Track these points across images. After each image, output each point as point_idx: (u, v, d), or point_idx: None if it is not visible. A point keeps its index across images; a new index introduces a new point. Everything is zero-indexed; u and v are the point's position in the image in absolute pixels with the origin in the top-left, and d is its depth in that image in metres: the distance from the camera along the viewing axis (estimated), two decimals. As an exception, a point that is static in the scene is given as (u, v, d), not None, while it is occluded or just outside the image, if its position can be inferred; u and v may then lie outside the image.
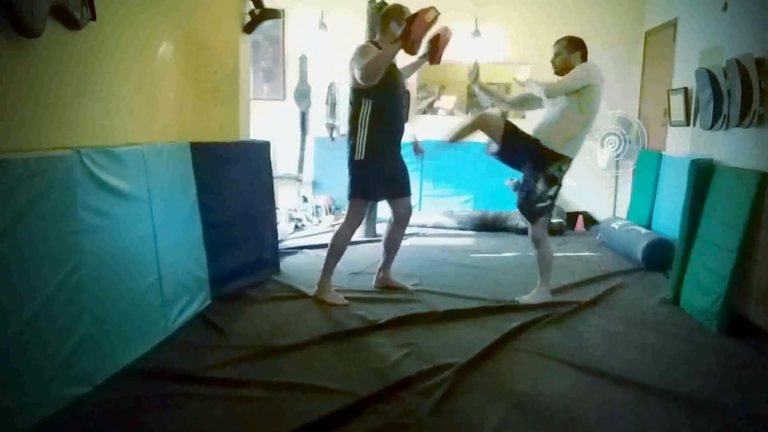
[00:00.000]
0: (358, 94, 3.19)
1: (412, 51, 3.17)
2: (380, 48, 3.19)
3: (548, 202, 3.38)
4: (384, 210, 5.71)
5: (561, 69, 3.37)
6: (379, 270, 3.67)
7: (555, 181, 3.35)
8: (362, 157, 3.20)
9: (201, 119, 3.28)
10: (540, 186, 3.35)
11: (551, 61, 3.43)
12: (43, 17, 1.91)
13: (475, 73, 3.57)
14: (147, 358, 2.47)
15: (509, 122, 3.41)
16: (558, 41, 3.42)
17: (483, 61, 7.20)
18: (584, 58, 3.38)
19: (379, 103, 3.17)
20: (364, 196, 3.34)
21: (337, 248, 3.37)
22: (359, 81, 3.09)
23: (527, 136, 3.39)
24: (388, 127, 3.26)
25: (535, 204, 3.37)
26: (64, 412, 1.98)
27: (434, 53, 3.23)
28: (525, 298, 3.49)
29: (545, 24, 6.38)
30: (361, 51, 3.16)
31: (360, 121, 3.19)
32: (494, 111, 3.49)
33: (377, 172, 3.26)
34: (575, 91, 3.23)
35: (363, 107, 3.18)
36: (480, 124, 3.44)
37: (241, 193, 3.55)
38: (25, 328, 1.86)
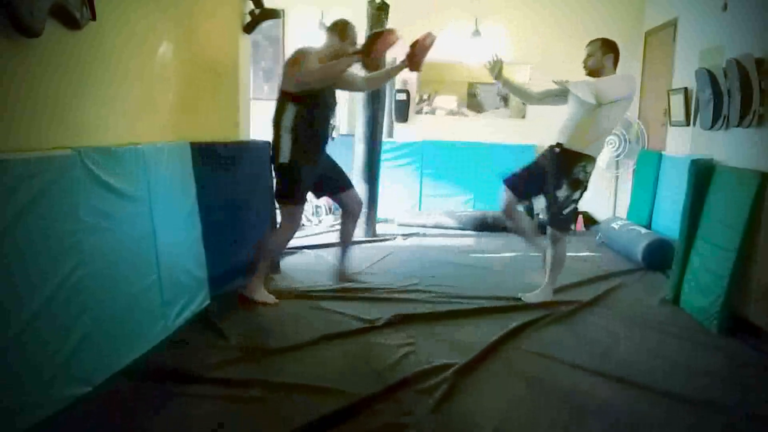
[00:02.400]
0: (285, 97, 3.16)
1: (371, 67, 3.21)
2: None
3: (573, 206, 3.37)
4: (384, 210, 5.74)
5: (593, 70, 3.37)
6: (339, 266, 3.67)
7: (579, 184, 3.34)
8: (286, 161, 3.17)
9: (201, 119, 3.28)
10: (563, 192, 3.35)
11: (583, 61, 3.40)
12: (43, 17, 1.91)
13: (498, 68, 3.55)
14: (147, 358, 2.47)
15: (513, 191, 3.49)
16: (591, 42, 3.40)
17: (482, 62, 7.21)
18: (616, 61, 3.37)
19: (305, 109, 3.14)
20: (291, 200, 3.28)
21: (272, 252, 3.38)
22: (297, 84, 3.08)
23: (535, 167, 3.45)
24: (312, 132, 3.21)
25: (562, 212, 3.37)
26: (64, 412, 1.98)
27: (412, 59, 3.18)
28: (528, 296, 3.51)
29: (546, 23, 6.40)
30: (302, 56, 3.14)
31: (283, 124, 3.16)
32: (521, 221, 3.57)
33: (302, 175, 3.22)
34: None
35: (287, 111, 3.15)
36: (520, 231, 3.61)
37: (241, 193, 3.55)
38: (25, 328, 1.86)
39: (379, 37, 3.10)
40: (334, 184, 3.49)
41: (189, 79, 3.10)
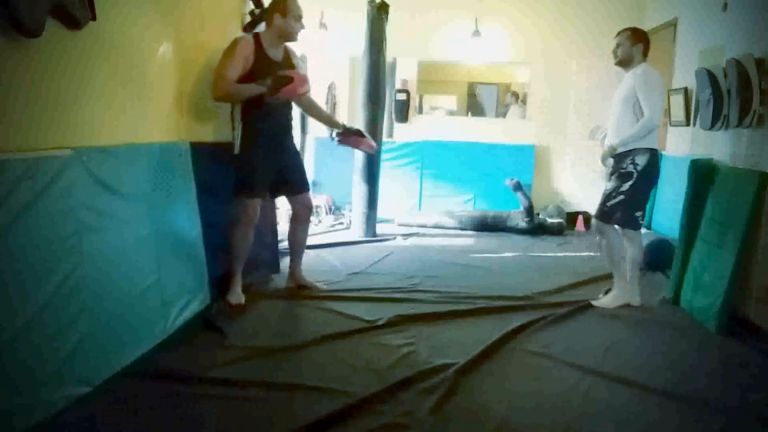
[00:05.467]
0: None
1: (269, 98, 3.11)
2: (260, 41, 3.15)
3: (619, 198, 3.29)
4: (384, 210, 5.74)
5: (622, 60, 3.32)
6: (290, 271, 3.61)
7: (629, 176, 3.26)
8: (239, 152, 3.14)
9: (201, 119, 3.28)
10: (611, 184, 3.33)
11: (612, 52, 3.35)
12: (43, 17, 1.91)
13: (611, 151, 3.39)
14: (147, 358, 2.47)
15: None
16: (620, 32, 3.36)
17: (483, 62, 7.22)
18: (646, 51, 3.32)
19: (249, 102, 3.09)
20: (245, 192, 3.21)
21: (237, 250, 3.25)
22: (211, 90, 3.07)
23: (614, 191, 3.35)
24: (265, 122, 3.16)
25: (606, 203, 3.34)
26: (64, 412, 1.98)
27: (274, 90, 3.04)
28: (602, 301, 3.41)
29: (546, 23, 6.40)
30: (226, 50, 3.08)
31: (234, 116, 3.16)
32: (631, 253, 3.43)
33: (256, 167, 3.16)
34: (634, 98, 3.21)
35: (237, 104, 3.14)
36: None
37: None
38: (25, 328, 1.86)
39: (288, 83, 3.04)
40: (289, 184, 3.40)
41: (189, 79, 3.10)
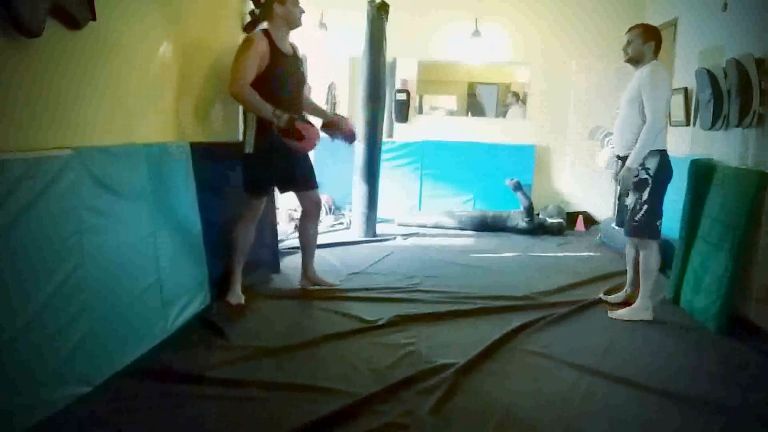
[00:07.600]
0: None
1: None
2: (270, 36, 3.12)
3: (645, 207, 3.15)
4: (384, 210, 5.74)
5: (633, 58, 3.21)
6: (303, 269, 3.61)
7: (644, 184, 3.15)
8: (251, 151, 3.13)
9: (201, 119, 3.28)
10: (630, 198, 3.22)
11: (623, 49, 3.23)
12: (43, 17, 1.91)
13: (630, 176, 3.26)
14: (147, 358, 2.47)
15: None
16: (631, 29, 3.25)
17: (483, 62, 7.23)
18: (658, 48, 3.20)
19: (265, 98, 3.05)
20: (253, 190, 3.23)
21: (237, 246, 3.26)
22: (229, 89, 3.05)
23: (622, 191, 3.32)
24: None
25: (634, 218, 3.20)
26: (64, 412, 1.98)
27: (287, 135, 3.06)
28: (620, 313, 3.27)
29: (546, 23, 6.40)
30: (242, 47, 3.06)
31: (248, 116, 3.15)
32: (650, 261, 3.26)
33: (266, 165, 3.16)
34: (640, 98, 3.12)
35: None
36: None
37: (241, 193, 3.54)
38: (25, 328, 1.86)
39: (299, 138, 3.05)
40: (299, 181, 3.39)
41: (189, 79, 3.10)
